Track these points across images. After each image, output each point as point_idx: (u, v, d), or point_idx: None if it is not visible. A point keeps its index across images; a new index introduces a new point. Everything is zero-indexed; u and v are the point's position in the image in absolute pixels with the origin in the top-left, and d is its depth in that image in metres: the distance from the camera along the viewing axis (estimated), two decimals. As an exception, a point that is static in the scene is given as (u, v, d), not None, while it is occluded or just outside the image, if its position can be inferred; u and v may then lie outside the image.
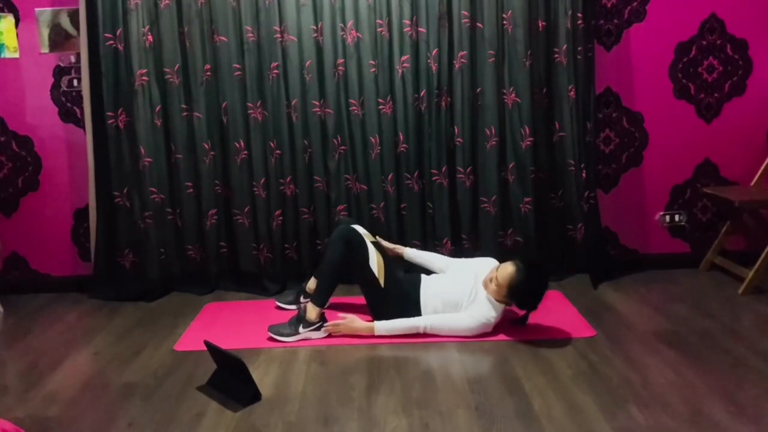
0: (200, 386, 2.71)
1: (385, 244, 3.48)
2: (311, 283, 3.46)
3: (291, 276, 3.93)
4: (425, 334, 3.12)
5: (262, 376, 2.77)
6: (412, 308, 3.19)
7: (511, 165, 3.84)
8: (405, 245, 3.84)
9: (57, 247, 4.07)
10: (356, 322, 3.16)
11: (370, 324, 3.13)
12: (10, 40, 3.89)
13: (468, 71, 3.77)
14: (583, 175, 3.80)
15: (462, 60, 3.75)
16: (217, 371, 2.74)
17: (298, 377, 2.78)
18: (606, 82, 3.92)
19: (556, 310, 3.43)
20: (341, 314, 3.20)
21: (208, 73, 3.77)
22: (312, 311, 3.14)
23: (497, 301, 3.10)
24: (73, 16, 3.84)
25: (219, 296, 3.89)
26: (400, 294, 3.22)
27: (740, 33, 3.89)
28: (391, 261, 3.38)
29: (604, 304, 3.54)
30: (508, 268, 3.05)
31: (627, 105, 3.96)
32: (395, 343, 3.07)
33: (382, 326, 3.12)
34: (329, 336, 3.16)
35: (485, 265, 3.27)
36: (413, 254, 3.54)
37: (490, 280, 3.11)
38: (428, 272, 3.46)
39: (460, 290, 3.18)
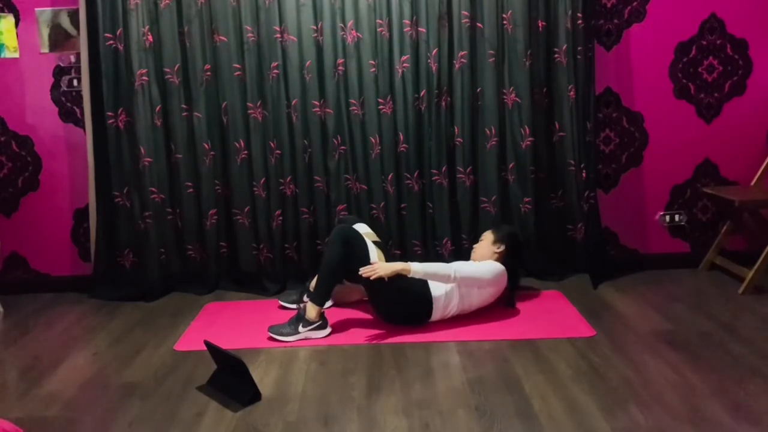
0: (200, 386, 2.71)
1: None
2: (314, 282, 3.44)
3: (291, 276, 3.94)
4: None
5: (262, 376, 2.77)
6: (422, 300, 3.19)
7: (511, 165, 3.84)
8: (405, 245, 3.87)
9: (57, 247, 4.07)
10: (389, 263, 3.18)
11: (406, 264, 3.15)
12: (10, 40, 3.89)
13: (468, 71, 3.77)
14: (583, 175, 3.80)
15: (462, 60, 3.75)
16: (217, 371, 2.74)
17: (298, 377, 2.78)
18: (606, 82, 3.92)
19: (556, 310, 3.43)
20: (373, 261, 3.19)
21: (208, 73, 3.77)
22: (312, 310, 3.14)
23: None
24: (73, 16, 3.84)
25: (219, 296, 3.89)
26: (406, 289, 3.20)
27: (740, 33, 3.89)
28: (392, 259, 3.38)
29: (604, 304, 3.53)
30: (487, 231, 3.53)
31: (627, 105, 3.96)
32: (395, 343, 3.07)
33: (419, 267, 3.15)
34: (366, 276, 3.12)
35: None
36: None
37: (475, 247, 3.50)
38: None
39: (465, 266, 3.33)
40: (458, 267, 3.23)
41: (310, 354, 3.01)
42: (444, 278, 3.18)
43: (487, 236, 3.49)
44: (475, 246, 3.54)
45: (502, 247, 3.43)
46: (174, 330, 3.36)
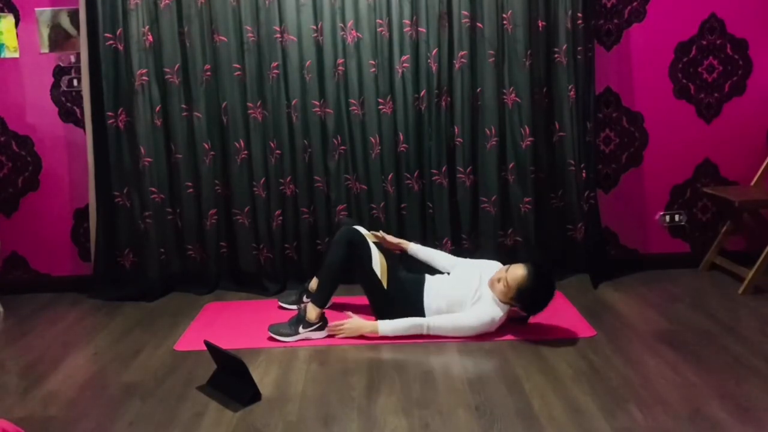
0: (200, 386, 2.71)
1: (389, 238, 3.48)
2: (314, 283, 3.44)
3: (291, 276, 3.94)
4: (429, 335, 3.11)
5: (262, 376, 2.77)
6: (416, 309, 3.19)
7: (511, 165, 3.84)
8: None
9: (57, 247, 4.07)
10: (359, 322, 3.15)
11: (373, 324, 3.12)
12: (10, 40, 3.89)
13: (468, 71, 3.77)
14: (583, 175, 3.80)
15: (462, 60, 3.75)
16: (217, 371, 2.74)
17: (298, 377, 2.78)
18: (606, 82, 3.92)
19: (556, 310, 3.41)
20: (347, 312, 3.18)
21: (208, 73, 3.77)
22: (312, 312, 3.14)
23: (502, 302, 3.10)
24: (73, 16, 3.84)
25: (219, 296, 3.89)
26: (403, 295, 3.22)
27: (740, 33, 3.89)
28: (394, 262, 3.38)
29: (604, 304, 3.54)
30: (519, 270, 3.04)
31: (627, 105, 3.96)
32: (396, 344, 3.07)
33: (386, 326, 3.10)
34: (331, 337, 3.16)
35: (491, 268, 3.26)
36: (417, 249, 3.52)
37: (498, 280, 3.08)
38: (432, 272, 3.45)
39: (465, 291, 3.17)
40: (433, 322, 3.08)
41: (310, 354, 3.01)
42: (416, 330, 3.11)
43: (511, 283, 3.03)
44: (503, 271, 3.09)
45: (518, 306, 3.11)
46: (174, 330, 3.36)
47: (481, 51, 3.76)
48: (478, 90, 3.80)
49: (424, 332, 3.10)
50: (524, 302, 3.09)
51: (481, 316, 3.08)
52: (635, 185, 4.03)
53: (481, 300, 3.12)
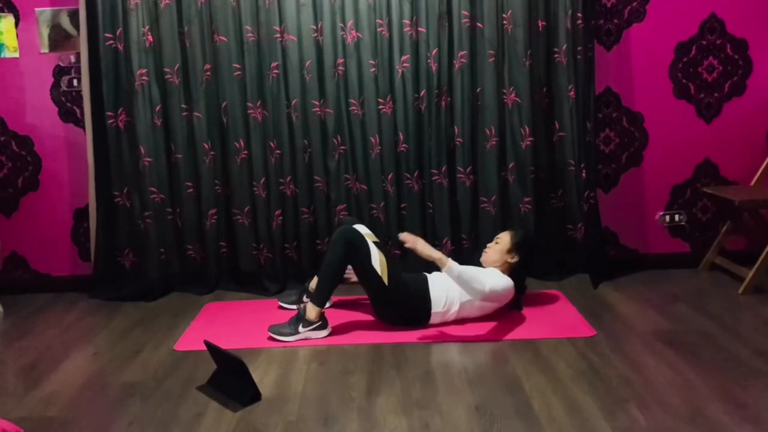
0: (200, 386, 2.71)
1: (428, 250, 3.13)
2: (314, 283, 3.44)
3: (291, 276, 3.94)
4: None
5: (262, 376, 2.77)
6: (422, 303, 3.19)
7: (511, 165, 3.84)
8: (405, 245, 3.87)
9: (57, 247, 4.07)
10: (429, 247, 3.10)
11: (444, 258, 3.05)
12: (10, 40, 3.89)
13: (468, 71, 3.77)
14: (583, 175, 3.80)
15: (462, 60, 3.75)
16: (217, 371, 2.74)
17: (298, 377, 2.78)
18: (606, 82, 3.92)
19: (556, 310, 3.43)
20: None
21: (208, 73, 3.77)
22: (312, 311, 3.14)
23: (502, 271, 3.29)
24: (73, 16, 3.84)
25: (219, 296, 3.89)
26: (405, 291, 3.21)
27: (740, 33, 3.89)
28: (395, 260, 3.38)
29: (604, 304, 3.54)
30: (505, 234, 3.40)
31: (627, 105, 3.96)
32: (396, 343, 3.07)
33: (456, 269, 3.03)
34: (402, 244, 3.16)
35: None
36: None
37: (489, 248, 3.37)
38: (430, 270, 3.46)
39: (472, 271, 3.24)
40: (493, 286, 3.13)
41: (310, 354, 3.01)
42: (475, 292, 3.12)
43: (504, 240, 3.36)
44: (489, 245, 3.40)
45: (516, 258, 3.31)
46: (174, 330, 3.36)
47: (481, 51, 3.76)
48: (478, 90, 3.80)
49: (482, 294, 3.12)
50: (522, 248, 3.32)
51: (503, 278, 3.23)
52: (635, 185, 4.03)
53: (491, 270, 3.29)
